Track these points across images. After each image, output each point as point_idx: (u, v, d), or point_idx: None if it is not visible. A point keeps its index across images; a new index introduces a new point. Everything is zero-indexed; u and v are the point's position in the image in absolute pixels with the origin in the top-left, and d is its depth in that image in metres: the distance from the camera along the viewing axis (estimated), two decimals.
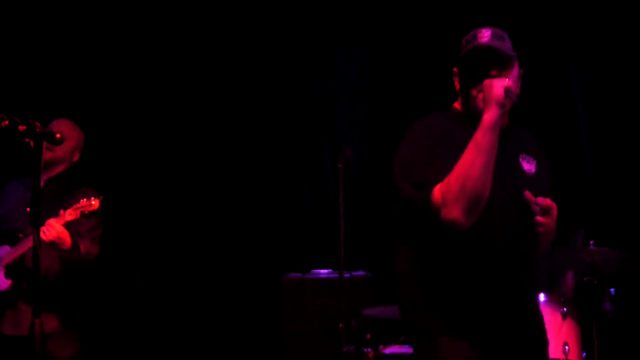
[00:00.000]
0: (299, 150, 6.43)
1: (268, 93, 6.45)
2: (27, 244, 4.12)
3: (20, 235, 4.21)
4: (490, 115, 2.81)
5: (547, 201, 2.90)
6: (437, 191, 2.80)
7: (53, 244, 4.04)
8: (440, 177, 2.81)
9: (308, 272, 5.86)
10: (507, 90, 2.82)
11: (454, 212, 2.76)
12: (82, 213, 4.10)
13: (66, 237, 4.08)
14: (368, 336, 5.02)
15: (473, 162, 2.76)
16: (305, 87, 6.50)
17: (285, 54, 6.45)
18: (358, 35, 6.41)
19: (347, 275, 5.23)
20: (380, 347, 4.93)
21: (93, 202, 4.11)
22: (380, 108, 6.38)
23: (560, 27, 5.99)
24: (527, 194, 2.93)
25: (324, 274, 5.77)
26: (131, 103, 6.31)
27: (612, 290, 4.95)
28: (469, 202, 2.75)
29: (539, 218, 2.91)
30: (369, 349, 4.90)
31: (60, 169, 4.38)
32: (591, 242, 4.70)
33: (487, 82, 2.86)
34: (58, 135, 2.96)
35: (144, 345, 6.13)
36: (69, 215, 4.09)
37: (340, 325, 4.84)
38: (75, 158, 4.43)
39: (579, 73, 5.97)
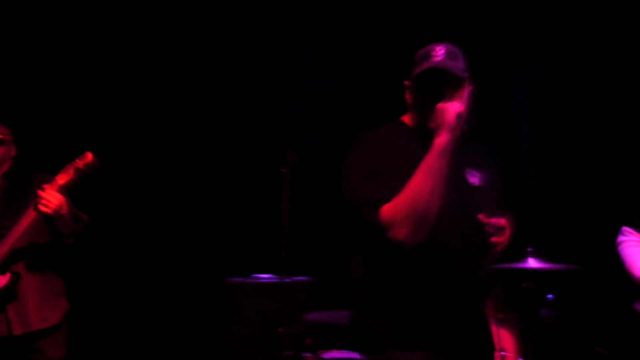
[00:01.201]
0: (243, 153, 6.39)
1: (214, 94, 6.41)
2: (12, 236, 4.00)
3: (4, 231, 4.08)
4: (442, 140, 2.81)
5: (501, 222, 2.92)
6: (386, 210, 2.79)
7: (57, 214, 3.90)
8: (388, 195, 2.80)
9: (250, 276, 5.84)
10: (459, 117, 2.83)
11: (401, 233, 2.76)
12: (77, 169, 3.89)
13: (64, 204, 3.94)
14: (308, 341, 5.02)
15: (423, 185, 2.76)
16: (254, 88, 6.46)
17: (234, 55, 6.41)
18: (311, 37, 6.40)
19: (288, 280, 5.23)
20: (320, 351, 4.93)
21: (85, 156, 3.89)
22: (330, 112, 6.39)
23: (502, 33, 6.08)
24: (481, 217, 2.93)
25: (265, 278, 5.75)
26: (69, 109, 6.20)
27: (549, 296, 5.01)
28: (416, 224, 2.75)
29: (494, 239, 2.93)
30: (309, 354, 4.90)
31: (6, 165, 4.31)
32: (529, 249, 4.76)
33: (440, 106, 2.86)
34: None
35: (86, 348, 6.04)
36: (61, 178, 3.91)
37: (281, 329, 4.83)
38: (13, 152, 4.35)
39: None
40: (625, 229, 3.99)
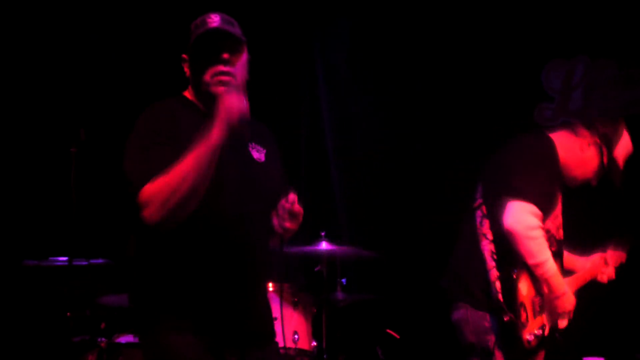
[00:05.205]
0: (34, 133, 6.15)
1: (17, 70, 6.14)
2: None
3: None
4: (217, 133, 2.76)
5: (295, 207, 2.88)
6: (146, 190, 2.74)
7: None
8: (152, 174, 2.74)
9: (46, 259, 5.65)
10: (242, 118, 2.79)
11: (154, 216, 2.73)
12: None
13: None
14: (103, 325, 4.93)
15: (187, 176, 2.71)
16: (44, 67, 6.22)
17: (26, 30, 6.15)
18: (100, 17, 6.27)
19: (85, 262, 5.10)
20: (115, 335, 4.86)
21: None
22: (124, 90, 6.28)
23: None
24: (283, 202, 2.90)
25: (61, 261, 5.58)
26: None
27: (343, 280, 5.13)
28: (171, 212, 2.73)
29: (286, 224, 2.90)
30: (103, 338, 4.81)
31: None
32: (322, 233, 4.85)
33: (227, 97, 2.80)
34: None
35: None
36: None
37: (69, 314, 4.71)
38: None
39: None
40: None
